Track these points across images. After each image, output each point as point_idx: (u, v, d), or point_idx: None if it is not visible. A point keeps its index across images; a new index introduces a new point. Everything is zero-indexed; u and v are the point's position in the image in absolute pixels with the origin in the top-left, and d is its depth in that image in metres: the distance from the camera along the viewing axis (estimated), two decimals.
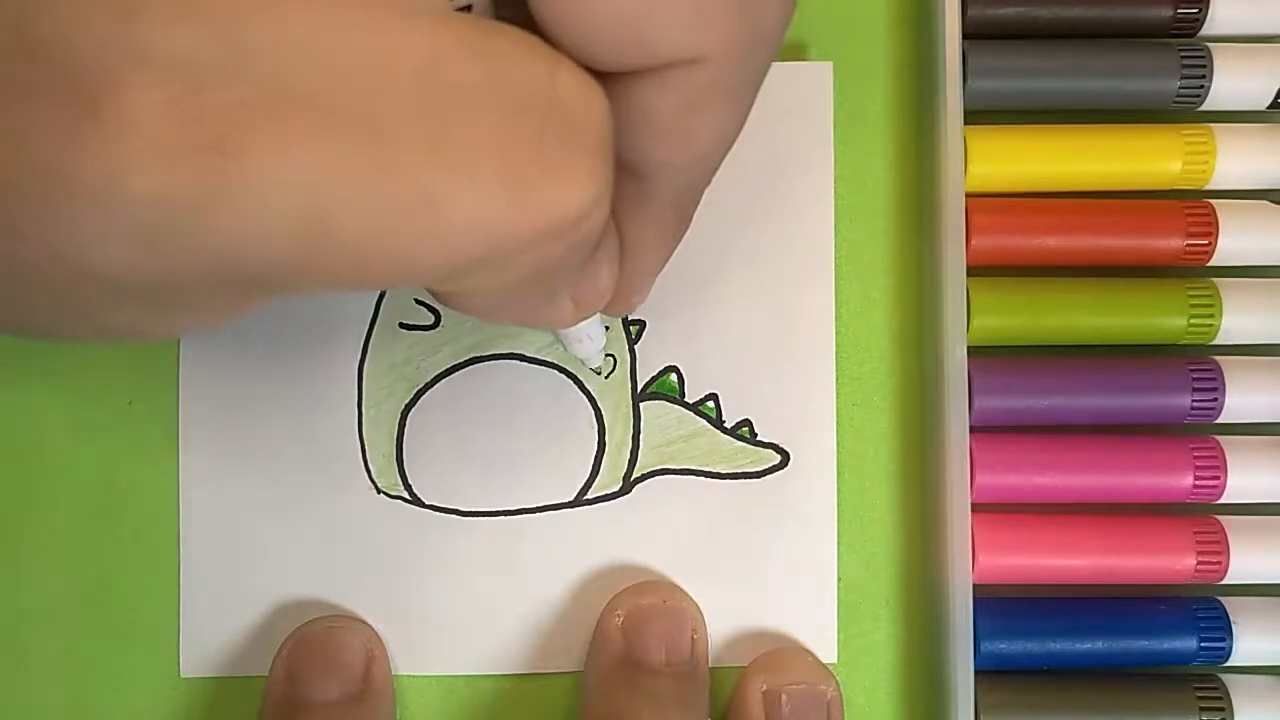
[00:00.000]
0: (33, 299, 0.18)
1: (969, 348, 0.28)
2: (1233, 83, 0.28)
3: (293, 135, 0.16)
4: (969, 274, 0.28)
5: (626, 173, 0.20)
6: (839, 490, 0.29)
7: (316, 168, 0.16)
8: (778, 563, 0.29)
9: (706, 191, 0.23)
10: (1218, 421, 0.28)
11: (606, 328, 0.28)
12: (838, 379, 0.29)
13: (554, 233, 0.17)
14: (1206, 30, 0.28)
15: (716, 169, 0.22)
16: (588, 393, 0.29)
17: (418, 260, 0.17)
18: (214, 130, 0.16)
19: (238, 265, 0.17)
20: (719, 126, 0.21)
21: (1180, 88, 0.28)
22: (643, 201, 0.21)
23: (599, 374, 0.29)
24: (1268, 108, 0.29)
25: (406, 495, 0.29)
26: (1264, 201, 0.29)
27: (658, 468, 0.29)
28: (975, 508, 0.28)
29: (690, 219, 0.23)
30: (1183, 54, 0.28)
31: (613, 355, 0.29)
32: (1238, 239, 0.28)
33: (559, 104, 0.17)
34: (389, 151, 0.16)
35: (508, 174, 0.17)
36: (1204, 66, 0.28)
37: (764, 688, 0.27)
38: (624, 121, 0.19)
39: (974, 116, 0.28)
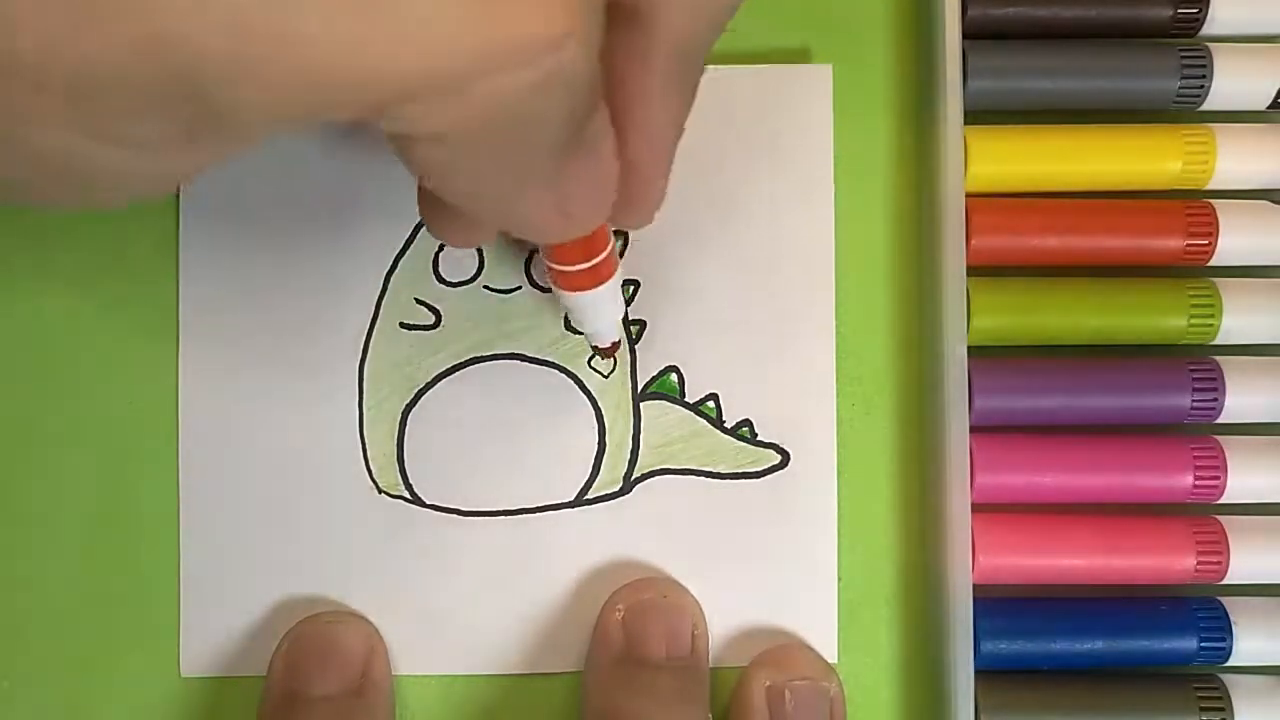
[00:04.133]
0: None
1: (969, 348, 0.28)
2: (1233, 83, 0.28)
3: None
4: (969, 274, 0.28)
5: (626, 17, 0.19)
6: (839, 490, 0.29)
7: None
8: (778, 563, 0.29)
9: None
10: (1218, 421, 0.28)
11: (625, 318, 0.28)
12: (838, 379, 0.29)
13: (518, 55, 0.16)
14: (1206, 30, 0.28)
15: (727, 19, 0.20)
16: (588, 393, 0.29)
17: (364, 65, 0.15)
18: None
19: (164, 52, 0.15)
20: None
21: (1180, 88, 0.28)
22: (644, 52, 0.20)
23: (602, 376, 0.29)
24: (1268, 108, 0.29)
25: (406, 495, 0.29)
26: (1264, 201, 0.29)
27: (658, 468, 0.29)
28: (975, 508, 0.28)
29: (696, 86, 0.21)
30: (1183, 54, 0.28)
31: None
32: (1238, 239, 0.28)
33: None
34: None
35: None
36: (1204, 66, 0.28)
37: (767, 683, 0.27)
38: None
39: (974, 116, 0.28)
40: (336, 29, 0.15)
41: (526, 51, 0.16)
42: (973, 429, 0.28)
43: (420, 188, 0.23)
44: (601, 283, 0.26)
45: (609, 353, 0.29)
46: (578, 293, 0.26)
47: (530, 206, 0.20)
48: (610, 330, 0.28)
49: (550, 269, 0.25)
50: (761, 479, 0.29)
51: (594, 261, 0.25)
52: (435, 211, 0.23)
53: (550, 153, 0.19)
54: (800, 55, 0.30)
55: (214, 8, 0.15)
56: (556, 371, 0.29)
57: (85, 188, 0.18)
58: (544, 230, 0.21)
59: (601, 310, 0.27)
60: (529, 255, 0.29)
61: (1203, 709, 0.27)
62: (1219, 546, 0.28)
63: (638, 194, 0.22)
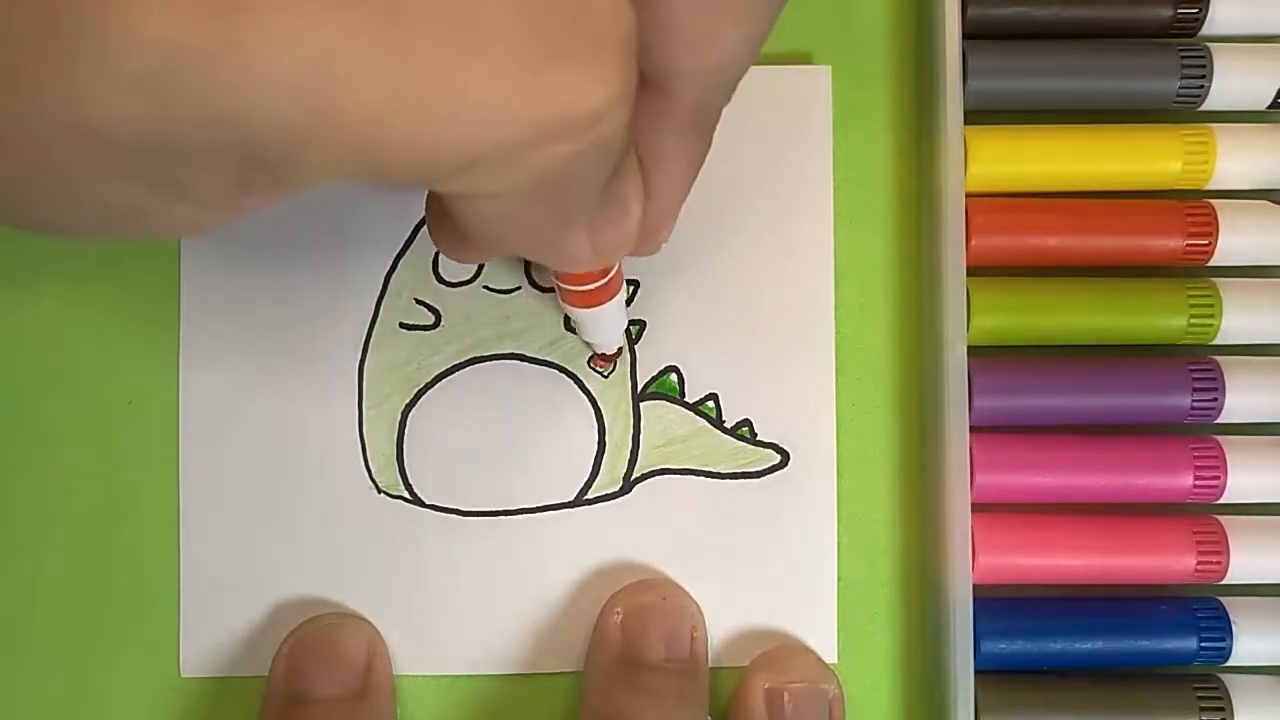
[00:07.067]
0: (26, 169, 0.17)
1: (969, 348, 0.28)
2: (1233, 83, 0.28)
3: None
4: (969, 274, 0.28)
5: (648, 87, 0.21)
6: (839, 490, 0.29)
7: (327, 30, 0.15)
8: (778, 563, 0.29)
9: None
10: (1218, 421, 0.28)
11: (628, 328, 0.28)
12: (838, 379, 0.29)
13: (567, 127, 0.17)
14: (1206, 30, 0.28)
15: (736, 84, 0.22)
16: (588, 393, 0.29)
17: (425, 142, 0.17)
18: None
19: (241, 127, 0.16)
20: (741, 34, 0.21)
21: (1180, 88, 0.28)
22: (664, 116, 0.21)
23: (602, 376, 0.29)
24: (1268, 108, 0.29)
25: (406, 495, 0.29)
26: (1264, 201, 0.29)
27: (658, 468, 0.29)
28: (975, 508, 0.28)
29: (710, 140, 0.23)
30: (1183, 54, 0.28)
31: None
32: (1238, 239, 0.28)
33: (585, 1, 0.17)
34: (407, 20, 0.16)
35: (525, 61, 0.16)
36: (1204, 66, 0.28)
37: (766, 686, 0.27)
38: (648, 26, 0.19)
39: (974, 116, 0.28)
40: (398, 107, 0.16)
41: (574, 125, 0.17)
42: (973, 429, 0.28)
43: (429, 206, 0.24)
44: (611, 298, 0.26)
45: (611, 359, 0.29)
46: (589, 309, 0.26)
47: (566, 244, 0.21)
48: (615, 339, 0.28)
49: (562, 288, 0.26)
50: (761, 479, 0.29)
51: (606, 280, 0.25)
52: (444, 231, 0.24)
53: (589, 199, 0.20)
54: (800, 56, 0.30)
55: (283, 88, 0.16)
56: (556, 371, 0.29)
57: (128, 229, 0.19)
58: (575, 262, 0.23)
59: (609, 322, 0.27)
60: None
61: (1203, 709, 0.27)
62: (1219, 546, 0.28)
63: (654, 227, 0.23)
